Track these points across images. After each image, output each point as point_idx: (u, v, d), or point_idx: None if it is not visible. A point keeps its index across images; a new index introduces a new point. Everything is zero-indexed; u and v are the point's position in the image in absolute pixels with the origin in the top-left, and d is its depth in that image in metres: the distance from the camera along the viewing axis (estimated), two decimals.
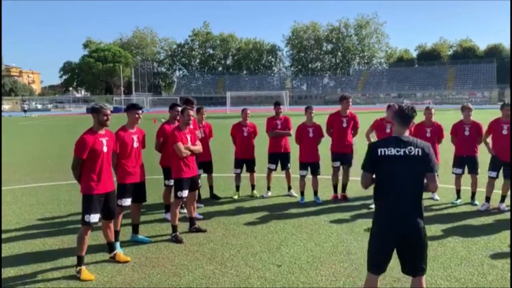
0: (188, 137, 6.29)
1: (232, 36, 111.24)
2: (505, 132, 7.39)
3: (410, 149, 3.44)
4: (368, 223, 6.72)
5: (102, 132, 4.98)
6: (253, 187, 8.75)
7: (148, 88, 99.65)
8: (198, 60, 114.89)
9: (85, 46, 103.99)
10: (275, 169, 8.62)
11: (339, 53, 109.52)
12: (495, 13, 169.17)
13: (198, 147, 6.45)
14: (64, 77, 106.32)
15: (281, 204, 8.04)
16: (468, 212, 7.38)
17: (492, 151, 7.62)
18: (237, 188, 8.67)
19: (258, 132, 8.71)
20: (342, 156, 8.04)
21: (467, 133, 7.90)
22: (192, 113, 6.24)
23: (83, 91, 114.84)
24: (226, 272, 4.98)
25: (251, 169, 8.58)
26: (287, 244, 5.87)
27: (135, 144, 5.72)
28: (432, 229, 6.40)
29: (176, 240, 6.05)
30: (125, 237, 6.08)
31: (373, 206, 7.55)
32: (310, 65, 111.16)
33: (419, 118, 8.46)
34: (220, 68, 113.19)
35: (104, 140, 4.96)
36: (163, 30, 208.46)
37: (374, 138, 8.19)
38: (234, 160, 8.63)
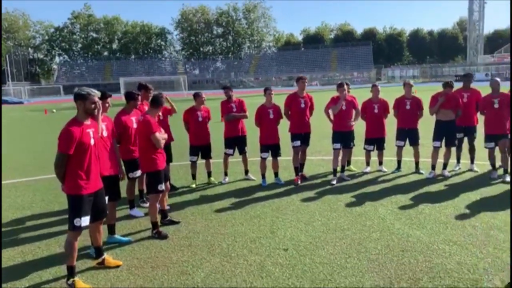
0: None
1: (117, 19, 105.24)
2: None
3: None
4: (340, 198, 6.99)
5: (88, 122, 4.32)
6: (209, 174, 8.42)
7: (25, 76, 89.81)
8: (80, 45, 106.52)
9: None
10: (233, 154, 8.40)
11: (230, 37, 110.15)
12: None
13: (165, 135, 5.95)
14: None
15: (245, 189, 7.88)
16: (418, 180, 8.00)
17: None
18: (194, 176, 8.27)
19: (211, 117, 8.35)
20: (302, 136, 8.09)
21: (408, 107, 8.51)
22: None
23: None
24: (237, 264, 4.72)
25: (207, 156, 8.23)
26: (279, 228, 5.77)
27: (105, 133, 5.10)
28: (400, 199, 6.84)
29: (160, 236, 5.58)
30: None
31: (334, 182, 7.89)
32: (201, 49, 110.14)
33: (367, 95, 9.01)
34: (105, 53, 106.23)
35: (91, 132, 4.31)
36: (37, 13, 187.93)
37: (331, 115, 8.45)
38: (189, 147, 8.20)
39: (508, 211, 6.00)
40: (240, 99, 8.41)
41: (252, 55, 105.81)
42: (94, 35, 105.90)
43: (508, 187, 7.24)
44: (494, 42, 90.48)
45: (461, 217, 5.89)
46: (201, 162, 8.30)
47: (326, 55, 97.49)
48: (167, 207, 6.53)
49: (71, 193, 4.21)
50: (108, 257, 4.82)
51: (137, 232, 5.88)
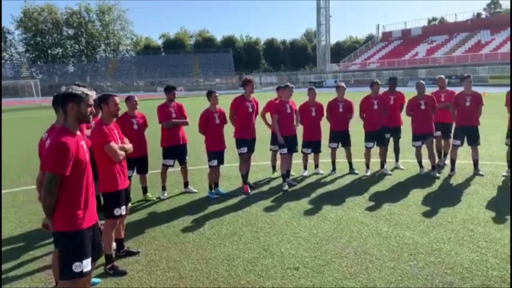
0: (116, 133, 4.80)
1: None
2: (375, 107, 8.47)
3: None
4: (303, 205, 6.74)
5: (78, 132, 3.22)
6: (145, 189, 7.34)
7: None
8: None
9: None
10: (173, 165, 7.46)
11: (83, 39, 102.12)
12: (230, 6, 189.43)
13: (130, 145, 4.98)
14: None
15: (193, 203, 7.04)
16: (359, 180, 8.17)
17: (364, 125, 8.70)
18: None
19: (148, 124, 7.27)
20: (249, 142, 7.58)
21: (341, 110, 8.67)
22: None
23: None
24: None
25: (144, 170, 7.14)
26: (269, 244, 5.20)
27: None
28: (360, 201, 6.83)
29: (116, 272, 4.57)
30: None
31: (286, 187, 7.58)
32: (50, 51, 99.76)
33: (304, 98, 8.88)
34: None
35: (84, 145, 3.23)
36: None
37: (269, 120, 8.15)
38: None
39: (465, 205, 6.44)
40: (179, 103, 7.53)
41: (109, 59, 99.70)
42: None
43: (441, 181, 7.85)
44: (337, 52, 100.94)
45: (430, 214, 6.10)
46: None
47: (188, 60, 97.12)
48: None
49: (69, 229, 3.07)
50: None
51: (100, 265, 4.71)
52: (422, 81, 8.55)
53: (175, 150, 7.37)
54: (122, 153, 4.69)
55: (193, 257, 4.90)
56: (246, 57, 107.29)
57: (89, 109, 3.18)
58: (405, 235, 5.34)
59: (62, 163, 2.97)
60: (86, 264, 3.16)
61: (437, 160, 8.77)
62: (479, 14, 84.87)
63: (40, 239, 5.56)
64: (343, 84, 8.86)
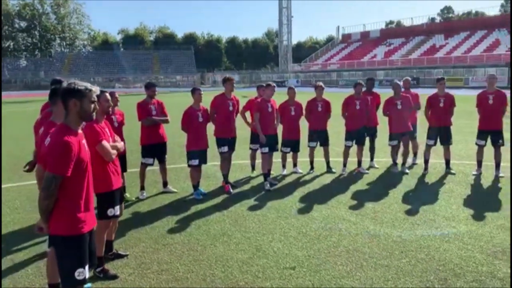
0: (107, 131, 4.63)
1: None
2: (358, 107, 8.60)
3: None
4: (287, 204, 6.78)
5: (80, 131, 3.04)
6: (123, 189, 7.05)
7: None
8: None
9: None
10: (153, 164, 7.25)
11: (36, 32, 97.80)
12: (191, 3, 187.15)
13: (122, 144, 4.83)
14: None
15: (175, 203, 6.88)
16: (339, 179, 8.27)
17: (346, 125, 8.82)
18: None
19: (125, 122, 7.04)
20: (229, 141, 7.48)
21: (320, 109, 8.74)
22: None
23: None
24: None
25: (123, 168, 6.86)
26: (260, 244, 5.14)
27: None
28: (343, 199, 6.92)
29: (107, 275, 4.38)
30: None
31: (268, 186, 7.55)
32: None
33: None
34: None
35: (85, 144, 3.05)
36: None
37: (249, 118, 8.13)
38: None
39: (443, 202, 6.65)
40: (159, 100, 7.32)
41: (65, 54, 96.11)
42: None
43: (416, 180, 8.07)
44: (298, 52, 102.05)
45: (413, 212, 6.23)
46: None
47: (148, 57, 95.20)
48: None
49: (69, 233, 2.89)
50: None
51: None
52: (398, 81, 8.76)
53: (155, 149, 7.17)
54: (115, 152, 4.52)
55: (185, 258, 4.77)
56: (207, 55, 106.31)
57: (93, 105, 3.00)
58: (392, 233, 5.44)
59: (63, 163, 2.79)
60: (87, 270, 3.00)
61: (411, 159, 9.04)
62: (433, 19, 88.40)
63: (17, 241, 5.25)
64: (321, 84, 8.90)
